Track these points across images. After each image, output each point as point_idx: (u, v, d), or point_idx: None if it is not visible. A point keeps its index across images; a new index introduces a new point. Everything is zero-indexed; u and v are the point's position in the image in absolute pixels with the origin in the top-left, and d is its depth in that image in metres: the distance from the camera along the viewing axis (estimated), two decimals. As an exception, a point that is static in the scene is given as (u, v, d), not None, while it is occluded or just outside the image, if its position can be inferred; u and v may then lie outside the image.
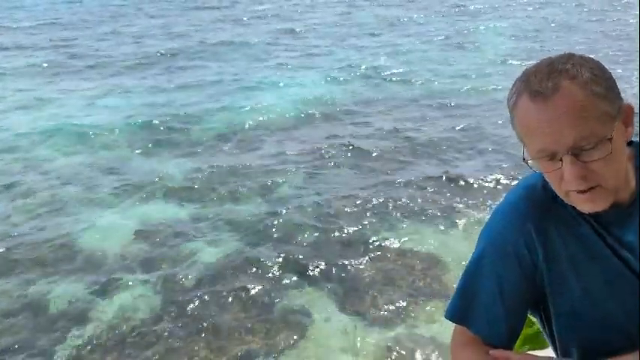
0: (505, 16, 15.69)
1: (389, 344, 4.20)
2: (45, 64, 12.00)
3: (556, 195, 1.19)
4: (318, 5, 18.20)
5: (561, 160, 1.09)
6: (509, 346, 1.25)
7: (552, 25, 14.40)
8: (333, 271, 5.01)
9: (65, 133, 8.35)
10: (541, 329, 1.34)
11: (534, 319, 1.39)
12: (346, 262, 5.12)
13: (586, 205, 1.13)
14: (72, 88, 10.49)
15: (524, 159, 1.16)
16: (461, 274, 1.32)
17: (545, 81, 1.09)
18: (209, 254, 5.35)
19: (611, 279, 1.18)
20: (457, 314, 1.31)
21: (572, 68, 1.09)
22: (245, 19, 16.60)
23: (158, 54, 12.66)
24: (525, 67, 1.17)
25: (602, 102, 1.08)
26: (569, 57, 1.13)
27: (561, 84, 1.08)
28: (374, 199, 6.16)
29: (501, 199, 1.31)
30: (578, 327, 1.22)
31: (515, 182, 6.15)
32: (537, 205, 1.22)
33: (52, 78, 11.20)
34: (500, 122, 7.99)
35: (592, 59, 1.13)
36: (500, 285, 1.24)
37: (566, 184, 1.11)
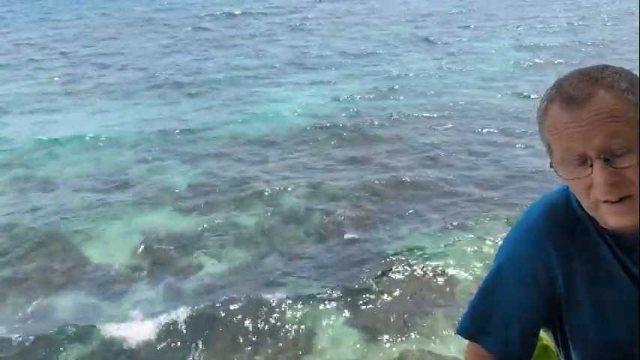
0: (511, 29, 15.73)
1: (397, 357, 4.17)
2: (56, 77, 12.12)
3: (578, 215, 1.16)
4: (322, 18, 18.31)
5: (591, 165, 1.04)
6: None
7: (561, 33, 14.43)
8: (341, 283, 4.99)
9: (72, 144, 8.40)
10: (554, 345, 1.33)
11: (546, 335, 1.38)
12: (353, 274, 5.11)
13: (613, 218, 1.07)
14: (79, 100, 10.57)
15: (551, 165, 1.12)
16: (476, 290, 1.30)
17: (579, 88, 1.05)
18: (215, 265, 5.35)
19: (625, 305, 1.15)
20: (470, 331, 1.30)
21: (607, 77, 1.06)
22: (251, 29, 16.72)
23: (166, 68, 12.76)
24: (558, 77, 1.14)
25: (637, 111, 1.04)
26: (605, 67, 1.10)
27: (596, 92, 1.04)
28: (382, 211, 6.15)
29: (520, 216, 1.29)
30: (590, 348, 1.20)
31: (529, 193, 6.06)
32: (558, 225, 1.19)
33: (61, 90, 11.30)
34: (514, 134, 7.99)
35: (629, 71, 1.09)
36: (517, 305, 1.22)
37: (595, 192, 1.06)
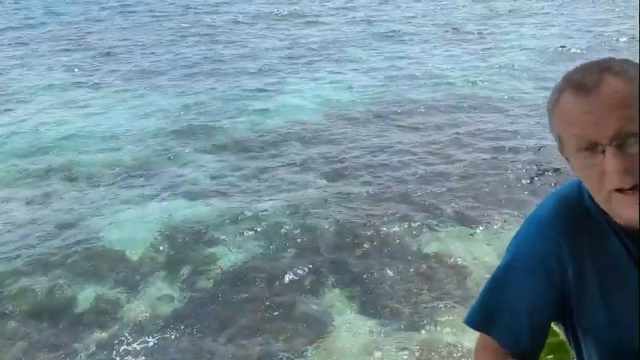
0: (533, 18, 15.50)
1: (409, 349, 4.18)
2: (75, 68, 12.24)
3: (590, 209, 1.14)
4: (343, 7, 18.23)
5: (603, 152, 1.03)
6: (532, 357, 1.24)
7: (576, 29, 14.19)
8: (355, 275, 5.01)
9: (92, 135, 8.50)
10: (566, 340, 1.32)
11: (559, 330, 1.37)
12: (368, 266, 5.12)
13: (629, 210, 1.04)
14: (99, 91, 10.68)
15: (561, 153, 1.12)
16: (486, 282, 1.29)
17: (589, 75, 1.06)
18: (231, 255, 5.39)
19: (635, 300, 1.12)
20: (479, 322, 1.29)
21: (616, 66, 1.07)
22: (270, 21, 16.70)
23: (186, 58, 12.82)
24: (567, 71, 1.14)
25: None
26: (613, 58, 1.11)
27: (605, 78, 1.05)
28: (397, 204, 6.14)
29: (533, 209, 1.27)
30: (601, 343, 1.19)
31: (544, 186, 6.03)
32: (570, 220, 1.17)
33: (81, 80, 11.42)
34: (530, 126, 7.90)
35: (635, 62, 1.10)
36: (528, 298, 1.21)
37: (608, 180, 1.03)
